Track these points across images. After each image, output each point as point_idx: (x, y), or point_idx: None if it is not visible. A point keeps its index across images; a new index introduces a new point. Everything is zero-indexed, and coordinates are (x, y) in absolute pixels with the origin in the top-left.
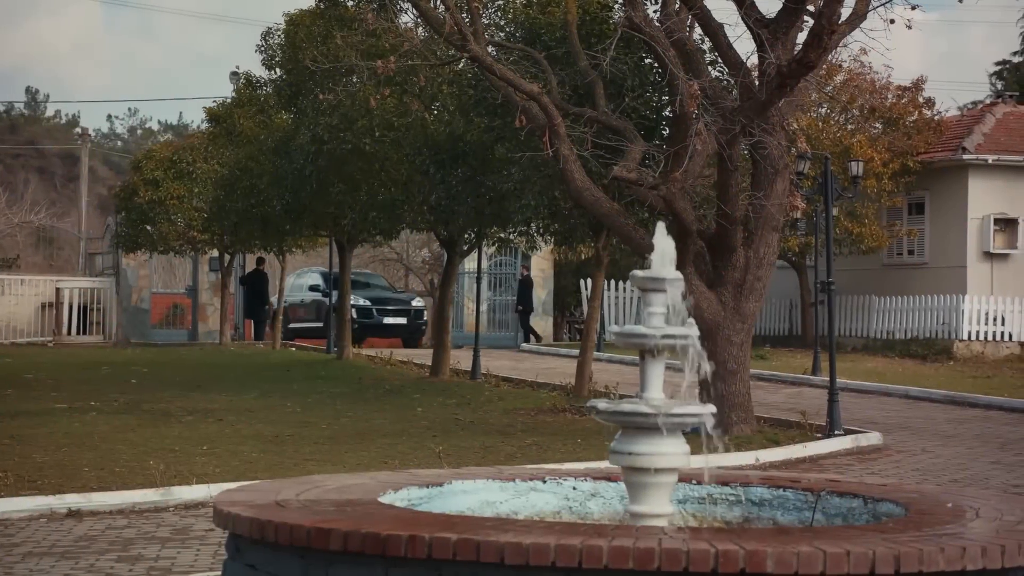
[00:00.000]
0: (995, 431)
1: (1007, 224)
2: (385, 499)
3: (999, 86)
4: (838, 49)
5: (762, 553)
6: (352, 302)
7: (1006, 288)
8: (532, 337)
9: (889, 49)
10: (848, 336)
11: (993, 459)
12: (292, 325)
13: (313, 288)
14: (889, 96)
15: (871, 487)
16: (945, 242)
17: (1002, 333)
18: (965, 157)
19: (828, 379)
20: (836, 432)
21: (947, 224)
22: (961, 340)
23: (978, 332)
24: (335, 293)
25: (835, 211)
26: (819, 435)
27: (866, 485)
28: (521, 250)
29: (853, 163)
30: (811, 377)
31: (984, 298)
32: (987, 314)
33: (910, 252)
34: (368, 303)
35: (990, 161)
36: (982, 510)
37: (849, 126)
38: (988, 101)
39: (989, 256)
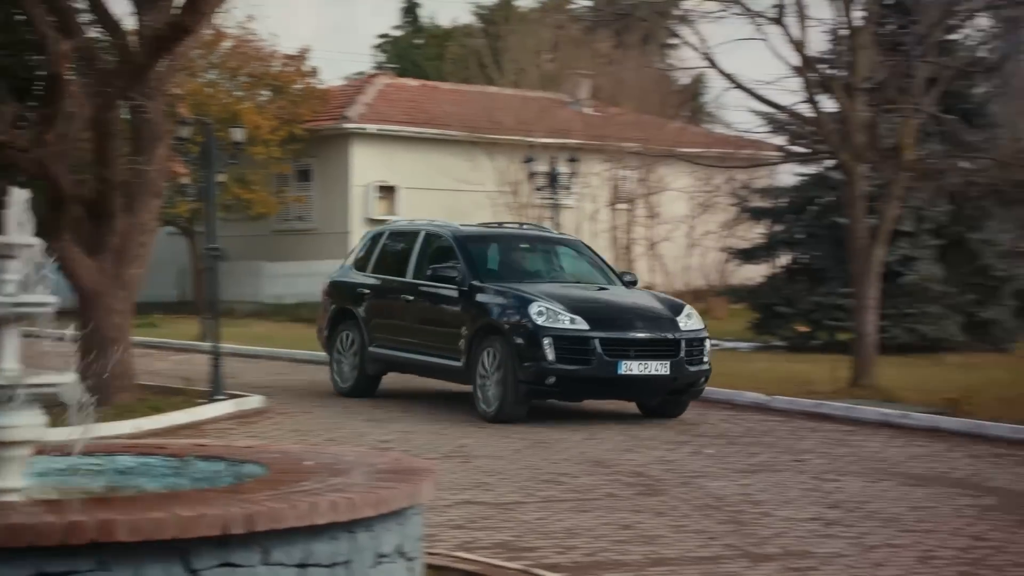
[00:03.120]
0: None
1: (387, 191)
2: None
3: (382, 59)
4: (225, 14)
5: (114, 522)
6: (549, 321)
7: None
8: None
9: (270, 17)
10: (239, 302)
11: (367, 417)
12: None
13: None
14: (276, 64)
15: (236, 449)
16: (331, 208)
17: None
18: (347, 126)
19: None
20: (218, 397)
21: (333, 191)
22: None
23: None
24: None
25: (223, 177)
26: (202, 401)
27: (231, 448)
28: None
29: (235, 129)
30: (200, 343)
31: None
32: None
33: (299, 218)
34: (585, 328)
35: (371, 131)
36: (337, 466)
37: (237, 93)
38: (371, 73)
39: (372, 222)
